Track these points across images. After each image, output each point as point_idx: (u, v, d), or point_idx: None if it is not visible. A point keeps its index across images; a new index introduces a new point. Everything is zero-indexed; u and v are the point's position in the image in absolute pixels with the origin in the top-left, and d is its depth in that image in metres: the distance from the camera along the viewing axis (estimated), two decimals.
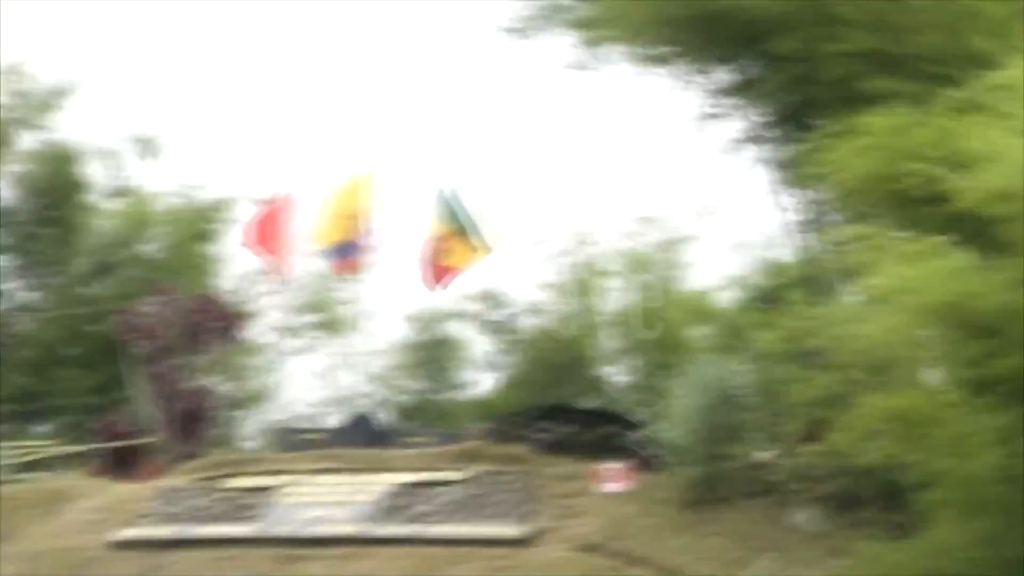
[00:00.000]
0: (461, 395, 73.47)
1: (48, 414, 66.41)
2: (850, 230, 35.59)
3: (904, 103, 36.29)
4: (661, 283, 72.05)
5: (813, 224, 50.86)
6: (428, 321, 73.16)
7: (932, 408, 31.18)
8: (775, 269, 60.35)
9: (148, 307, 54.55)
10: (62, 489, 48.06)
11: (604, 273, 72.56)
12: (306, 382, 72.63)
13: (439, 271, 53.46)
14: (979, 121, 32.08)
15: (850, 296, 45.31)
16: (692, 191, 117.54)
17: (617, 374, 71.15)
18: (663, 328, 68.90)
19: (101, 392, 67.14)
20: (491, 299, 71.00)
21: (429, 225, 53.56)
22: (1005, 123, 31.39)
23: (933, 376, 34.47)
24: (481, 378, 73.33)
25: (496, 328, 72.73)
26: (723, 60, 48.13)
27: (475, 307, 70.92)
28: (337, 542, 40.77)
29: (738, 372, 46.36)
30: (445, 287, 55.60)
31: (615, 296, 72.73)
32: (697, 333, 69.94)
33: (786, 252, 58.69)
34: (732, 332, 61.12)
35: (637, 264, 71.71)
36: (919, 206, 33.37)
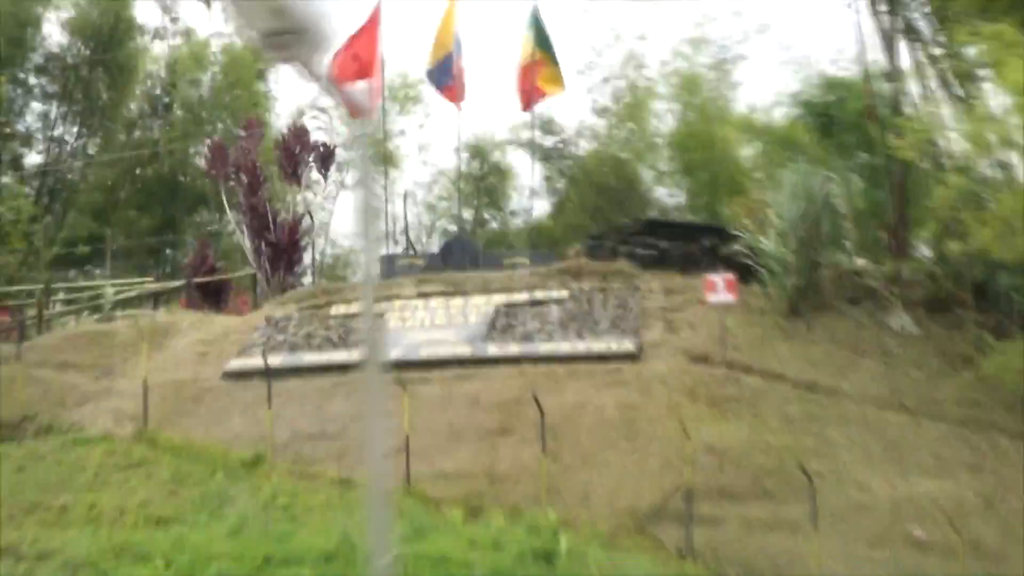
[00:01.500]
0: (517, 221, 73.39)
1: (112, 256, 64.98)
2: (973, 29, 35.83)
3: None
4: (712, 103, 71.39)
5: (906, 33, 50.33)
6: (483, 149, 73.08)
7: None
8: (837, 84, 59.87)
9: (240, 141, 54.52)
10: (165, 324, 48.61)
11: (655, 95, 71.94)
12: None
13: (535, 93, 53.80)
14: None
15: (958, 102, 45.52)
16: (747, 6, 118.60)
17: (671, 195, 71.20)
18: (715, 147, 68.73)
19: (160, 232, 69.00)
20: (546, 125, 70.23)
21: (523, 49, 53.58)
22: None
23: None
24: (535, 205, 72.86)
25: (550, 154, 72.23)
26: None
27: (529, 134, 68.86)
28: (448, 363, 41.10)
29: (832, 182, 46.48)
30: (533, 109, 56.42)
31: (667, 117, 72.36)
32: (751, 151, 69.51)
33: (848, 69, 59.01)
34: (786, 147, 60.96)
35: (689, 85, 71.07)
36: None
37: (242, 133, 56.09)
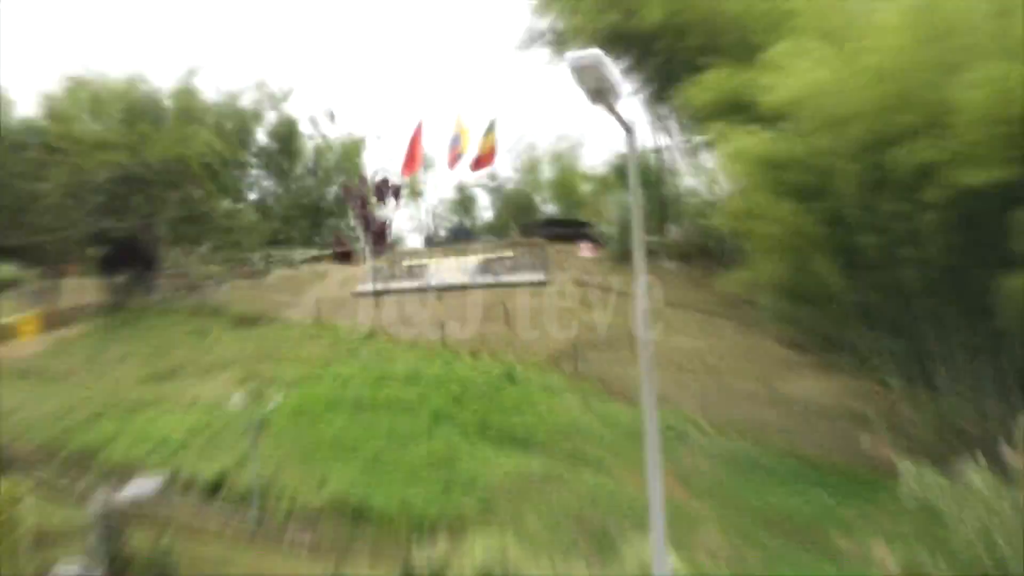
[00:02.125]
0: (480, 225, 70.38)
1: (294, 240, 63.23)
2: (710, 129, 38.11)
3: (728, 65, 37.03)
4: (569, 163, 69.23)
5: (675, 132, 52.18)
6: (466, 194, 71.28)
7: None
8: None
9: (355, 185, 55.08)
10: (324, 271, 52.01)
11: (542, 161, 69.70)
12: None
13: (483, 161, 53.23)
14: (771, 69, 31.88)
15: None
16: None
17: (554, 208, 68.51)
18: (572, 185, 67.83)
19: (313, 229, 66.17)
20: (492, 176, 68.51)
21: (483, 139, 52.71)
22: (786, 69, 31.00)
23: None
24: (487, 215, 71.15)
25: (495, 190, 70.10)
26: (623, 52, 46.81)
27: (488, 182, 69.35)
28: (458, 288, 45.46)
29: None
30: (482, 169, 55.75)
31: (548, 171, 69.90)
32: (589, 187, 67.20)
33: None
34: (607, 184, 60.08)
35: (557, 157, 69.59)
36: (743, 111, 33.54)
37: (356, 182, 55.76)
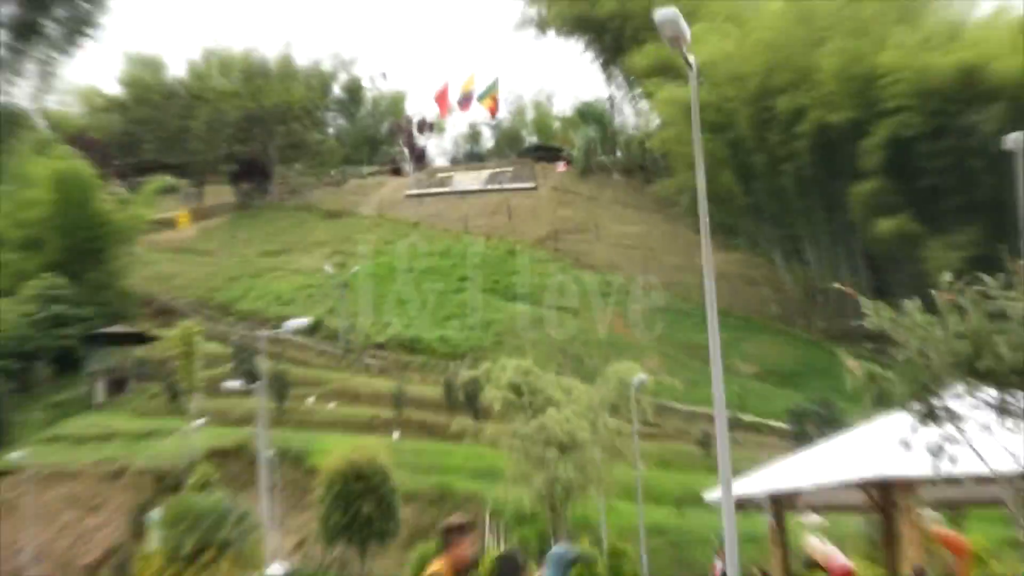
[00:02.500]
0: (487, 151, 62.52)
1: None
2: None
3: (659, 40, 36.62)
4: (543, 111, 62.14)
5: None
6: None
7: None
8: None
9: (403, 122, 52.89)
10: (382, 180, 47.27)
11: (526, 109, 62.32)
12: None
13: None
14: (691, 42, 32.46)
15: None
16: None
17: None
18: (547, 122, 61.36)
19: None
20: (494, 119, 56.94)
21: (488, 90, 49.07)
22: (701, 42, 31.67)
23: None
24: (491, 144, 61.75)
25: (495, 128, 59.46)
26: None
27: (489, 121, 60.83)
28: (474, 192, 42.74)
29: None
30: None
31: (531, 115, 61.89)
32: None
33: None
34: None
35: None
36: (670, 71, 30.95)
37: (403, 121, 53.09)
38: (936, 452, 4.80)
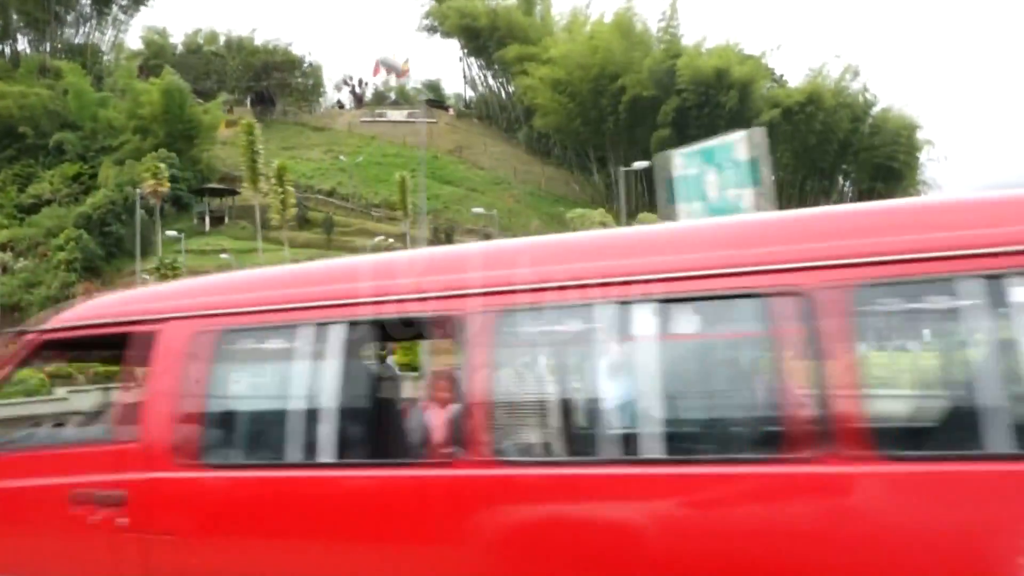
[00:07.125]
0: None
1: None
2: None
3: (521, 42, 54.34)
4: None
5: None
6: None
7: None
8: None
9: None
10: (337, 112, 62.79)
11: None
12: None
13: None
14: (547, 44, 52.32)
15: None
16: None
17: None
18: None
19: None
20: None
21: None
22: (554, 44, 51.72)
23: None
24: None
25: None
26: None
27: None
28: (404, 121, 61.72)
29: None
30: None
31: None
32: None
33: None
34: None
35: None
36: (533, 60, 52.18)
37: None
38: None
